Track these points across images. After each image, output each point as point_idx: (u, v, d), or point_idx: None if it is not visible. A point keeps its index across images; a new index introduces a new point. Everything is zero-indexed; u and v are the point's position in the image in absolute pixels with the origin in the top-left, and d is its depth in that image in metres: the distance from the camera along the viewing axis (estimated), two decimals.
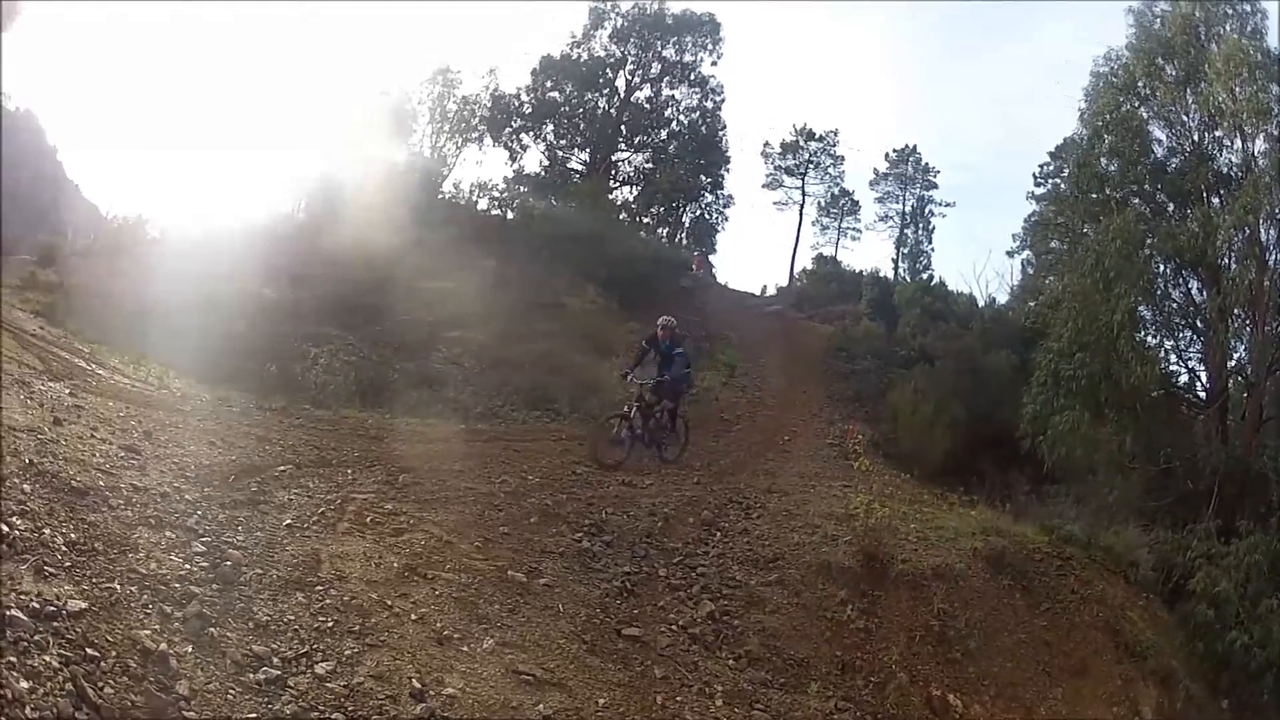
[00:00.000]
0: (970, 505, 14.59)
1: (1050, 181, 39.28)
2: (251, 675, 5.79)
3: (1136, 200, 19.01)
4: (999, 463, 19.32)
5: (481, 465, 12.25)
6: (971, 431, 20.55)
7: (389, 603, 7.40)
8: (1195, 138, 18.71)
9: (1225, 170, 18.22)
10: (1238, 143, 17.96)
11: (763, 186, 52.92)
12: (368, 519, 8.98)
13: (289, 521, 8.37)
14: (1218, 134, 18.34)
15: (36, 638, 5.02)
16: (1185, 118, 18.97)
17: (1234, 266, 17.05)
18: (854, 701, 9.15)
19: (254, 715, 5.45)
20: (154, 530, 7.12)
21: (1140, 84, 19.61)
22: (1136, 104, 19.61)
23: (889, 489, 14.59)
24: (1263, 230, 17.08)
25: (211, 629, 6.02)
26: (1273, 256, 17.26)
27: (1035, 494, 17.67)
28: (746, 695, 8.50)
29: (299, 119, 38.80)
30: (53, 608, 5.34)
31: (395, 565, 8.02)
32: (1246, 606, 13.08)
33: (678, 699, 7.88)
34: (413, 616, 7.36)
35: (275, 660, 6.06)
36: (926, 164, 52.52)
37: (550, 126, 41.47)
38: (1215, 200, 17.99)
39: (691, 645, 9.05)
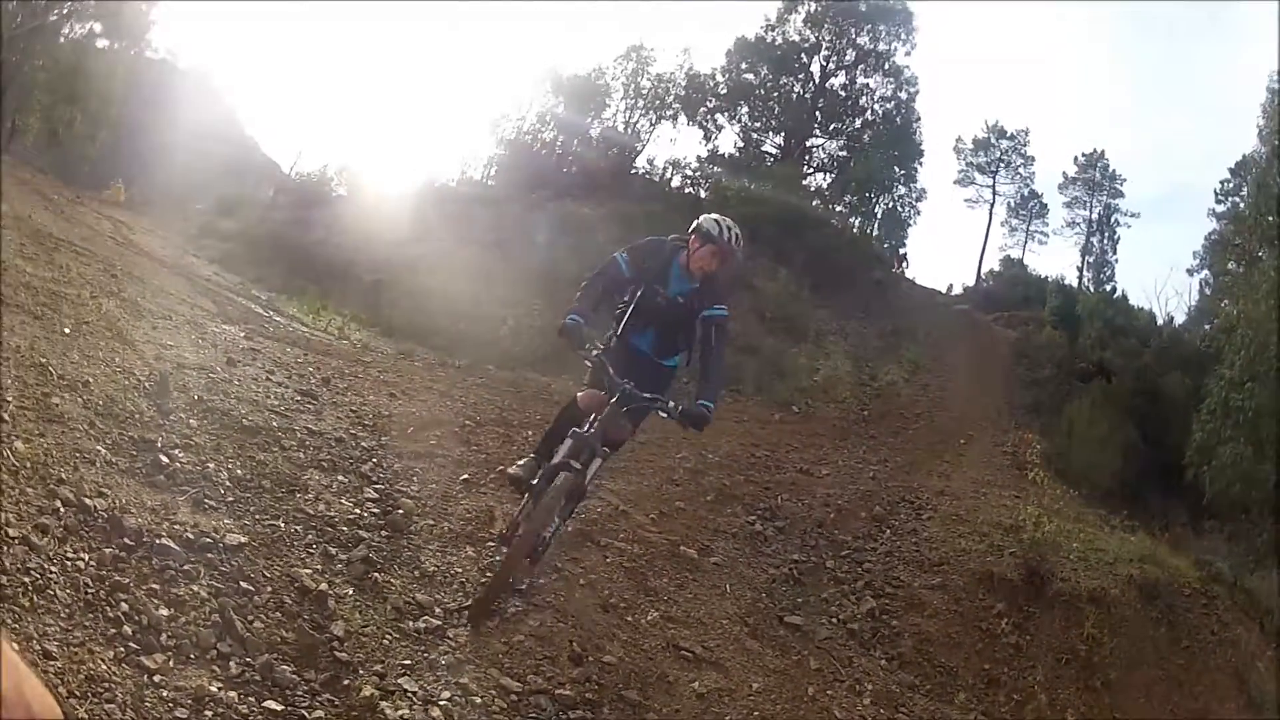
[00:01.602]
0: (1131, 530, 14.69)
1: (1230, 200, 38.11)
2: (411, 623, 5.81)
3: None
4: (1162, 489, 19.27)
5: (662, 439, 12.21)
6: (1141, 454, 20.52)
7: (559, 565, 7.47)
8: None
9: None
10: None
11: (954, 182, 52.53)
12: None
13: (465, 477, 8.50)
14: None
15: (186, 567, 5.12)
16: None
17: None
18: (992, 717, 9.24)
19: (408, 661, 5.43)
20: (326, 474, 7.34)
21: None
22: None
23: (1057, 504, 14.62)
24: None
25: (376, 574, 6.12)
26: None
27: (1192, 526, 17.41)
28: (894, 697, 8.52)
29: (490, 90, 40.02)
30: (209, 539, 5.45)
31: (570, 530, 7.82)
32: None
33: (828, 693, 7.83)
34: (581, 582, 7.45)
35: (437, 610, 6.08)
36: (1114, 171, 51.36)
37: (745, 108, 41.86)
38: None
39: (849, 640, 9.21)
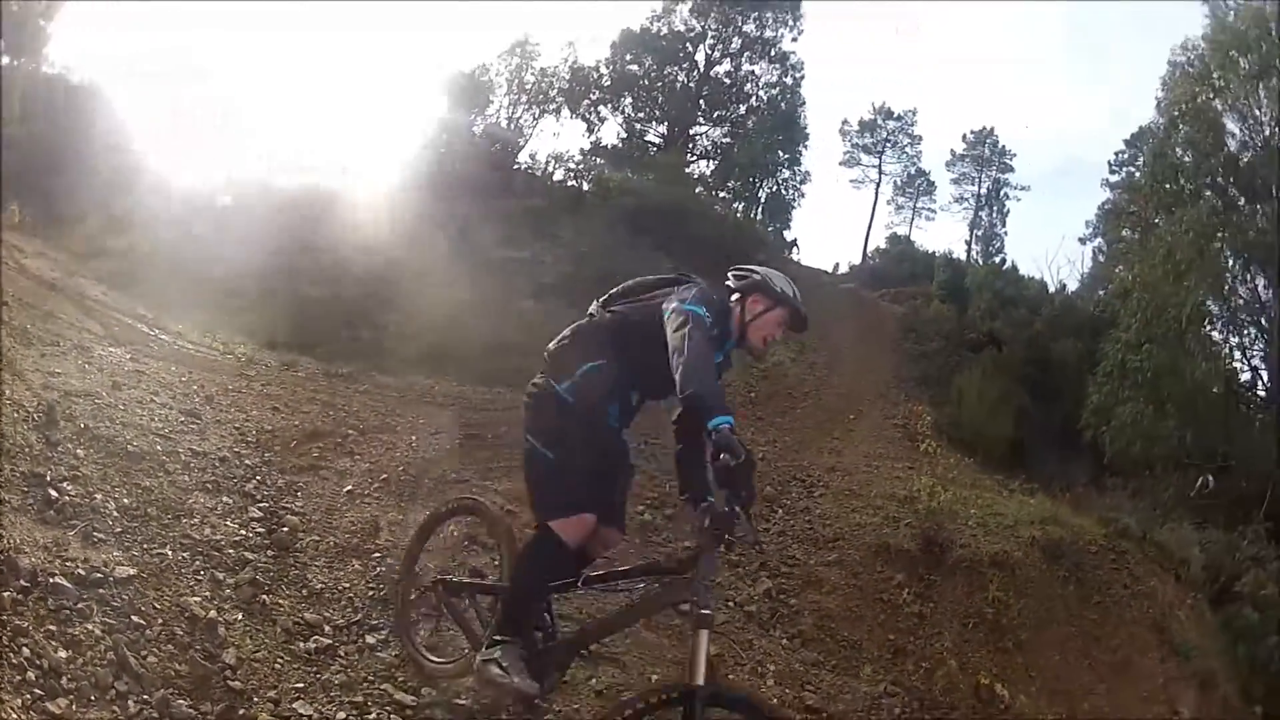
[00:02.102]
0: (1030, 494, 14.62)
1: (1125, 170, 39.47)
2: (301, 644, 5.78)
3: (1209, 193, 18.77)
4: (1060, 452, 19.10)
5: None
6: (1035, 419, 20.43)
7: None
8: (1267, 132, 18.52)
9: None
10: None
11: (840, 164, 53.01)
12: (429, 486, 9.06)
13: (349, 488, 8.45)
14: None
15: (80, 605, 5.05)
16: (1258, 112, 18.73)
17: None
18: (903, 686, 9.11)
19: (300, 684, 5.40)
20: (211, 495, 7.22)
21: (1215, 75, 19.34)
22: (1211, 95, 19.39)
23: (952, 473, 14.53)
24: None
25: (264, 596, 6.06)
26: None
27: (1094, 486, 17.42)
28: (798, 675, 8.43)
29: (372, 92, 39.13)
30: (99, 574, 5.37)
31: (455, 534, 7.47)
32: None
33: (730, 677, 7.70)
34: None
35: (327, 628, 6.06)
36: (1004, 147, 52.39)
37: (629, 99, 41.50)
38: None
39: (747, 623, 9.06)
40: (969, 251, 48.47)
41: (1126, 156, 40.57)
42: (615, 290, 5.48)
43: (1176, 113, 20.13)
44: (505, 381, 15.22)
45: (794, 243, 41.88)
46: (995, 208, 50.95)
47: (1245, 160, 18.82)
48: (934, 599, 10.70)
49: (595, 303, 5.40)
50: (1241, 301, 19.02)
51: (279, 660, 5.51)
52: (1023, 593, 11.19)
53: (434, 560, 6.45)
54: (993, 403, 20.29)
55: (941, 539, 11.42)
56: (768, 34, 42.52)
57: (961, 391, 20.90)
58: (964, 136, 54.08)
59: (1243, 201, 18.85)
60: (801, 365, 22.71)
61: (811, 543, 11.18)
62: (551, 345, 5.31)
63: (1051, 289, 30.98)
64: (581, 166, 36.16)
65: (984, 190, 51.73)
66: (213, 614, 5.56)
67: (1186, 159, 19.47)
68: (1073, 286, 33.41)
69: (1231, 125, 19.28)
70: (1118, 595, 12.02)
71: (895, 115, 52.05)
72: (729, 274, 5.27)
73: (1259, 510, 15.38)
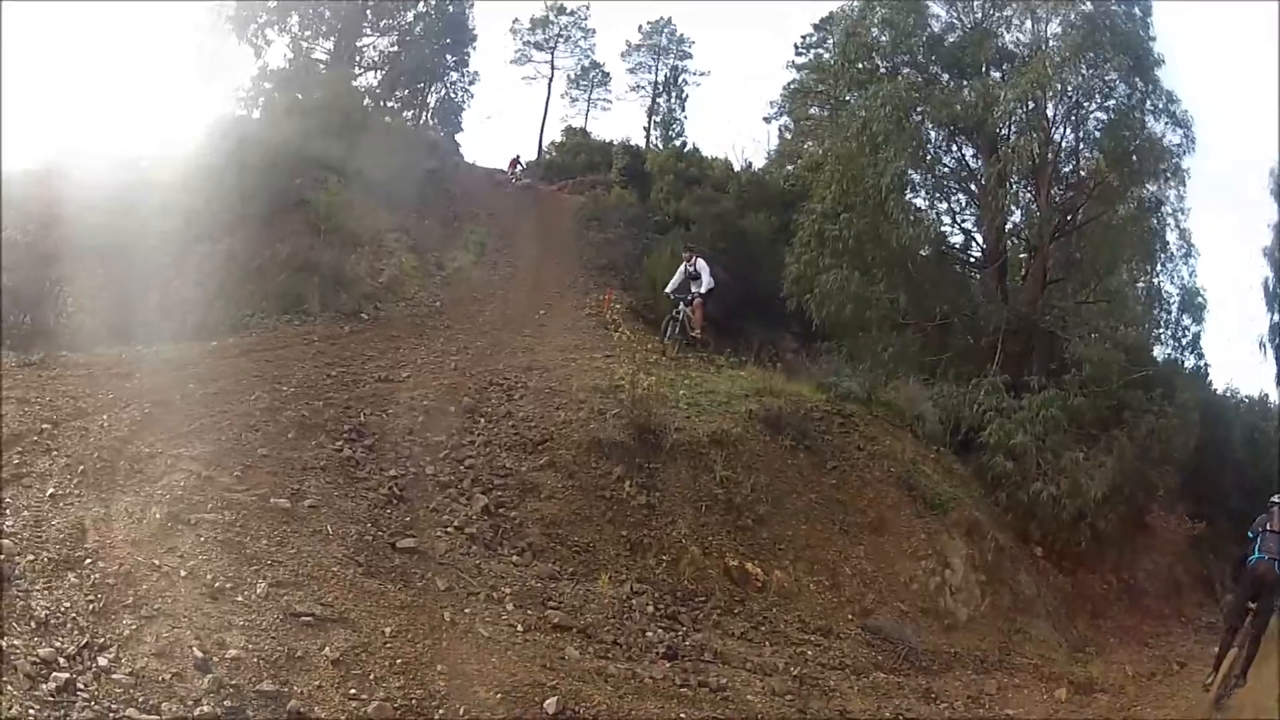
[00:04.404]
0: (739, 367, 14.46)
1: (813, 52, 39.49)
2: (44, 686, 5.38)
3: (908, 70, 18.98)
4: (764, 323, 19.30)
5: (235, 384, 11.37)
6: (733, 292, 20.10)
7: (156, 562, 6.93)
8: (979, 15, 18.88)
9: (1011, 48, 18.49)
10: (1028, 23, 18.24)
11: (510, 63, 51.59)
12: (126, 468, 8.29)
13: (51, 490, 7.66)
14: (1006, 13, 18.51)
15: None
16: None
17: (1014, 137, 17.24)
18: (650, 583, 8.97)
19: None
20: None
21: None
22: None
23: (653, 357, 13.69)
24: (1050, 106, 17.55)
25: (0, 641, 5.58)
26: (1059, 131, 17.78)
27: (805, 353, 17.81)
28: (537, 594, 8.28)
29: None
30: None
31: (158, 517, 7.45)
32: (1048, 459, 13.49)
33: (466, 611, 7.64)
34: (182, 573, 6.90)
35: (61, 661, 5.64)
36: (682, 35, 52.42)
37: (295, 18, 39.17)
38: (996, 75, 18.26)
39: (471, 547, 8.78)
40: (648, 138, 47.67)
41: (815, 39, 40.78)
42: None
43: None
44: (188, 336, 14.08)
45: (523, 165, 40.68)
46: (674, 94, 49.85)
47: (951, 40, 19.15)
48: (659, 487, 10.32)
49: None
50: (947, 170, 19.45)
51: (31, 712, 5.19)
52: (751, 468, 10.93)
53: None
54: None
55: (654, 425, 10.98)
56: None
57: (652, 274, 20.38)
58: (639, 27, 54.33)
59: (946, 78, 19.14)
60: (484, 268, 22.12)
61: (520, 449, 10.72)
62: None
63: (737, 168, 30.69)
64: (251, 93, 34.12)
65: (662, 79, 51.26)
66: None
67: (883, 39, 19.39)
68: (760, 165, 33.38)
69: (936, 8, 19.44)
70: (854, 458, 11.97)
71: (568, 10, 51.25)
72: None
73: (991, 363, 15.80)
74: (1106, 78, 16.99)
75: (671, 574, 9.17)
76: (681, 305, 16.64)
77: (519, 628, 7.63)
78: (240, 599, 6.81)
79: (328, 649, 6.45)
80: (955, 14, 19.10)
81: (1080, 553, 13.17)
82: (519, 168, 38.25)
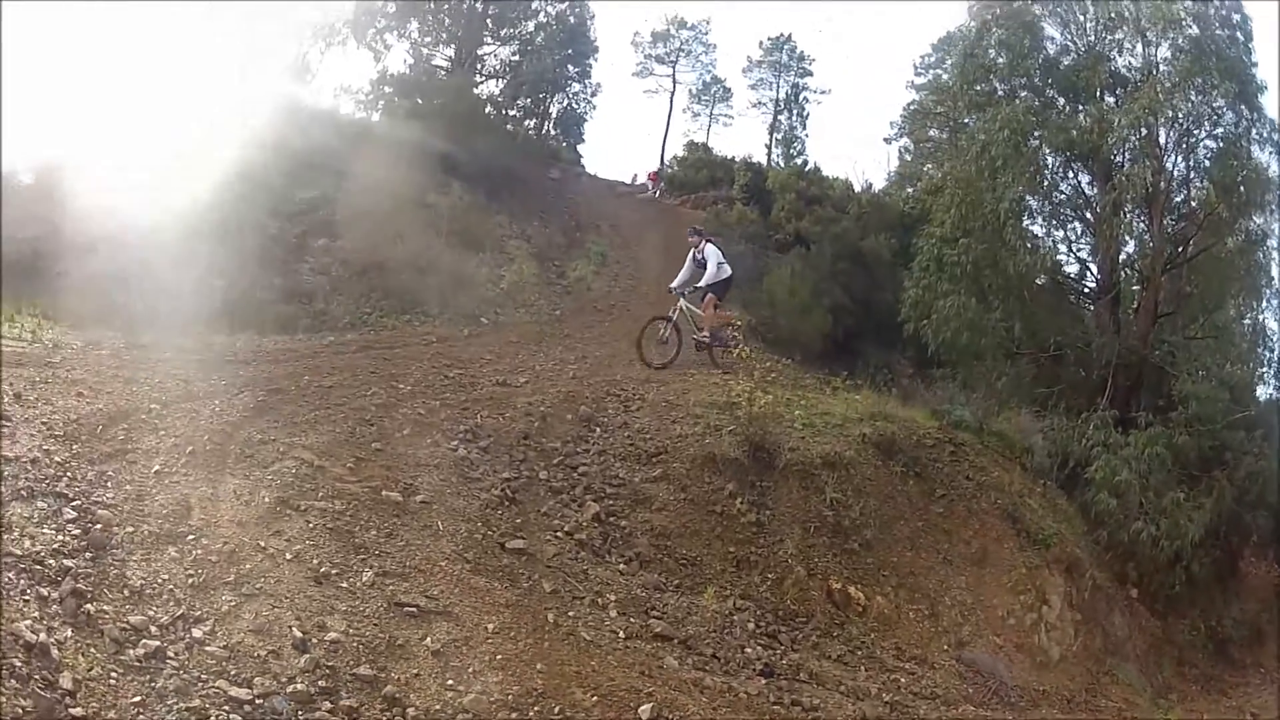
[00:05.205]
0: (854, 390, 14.31)
1: (931, 72, 39.90)
2: (131, 652, 5.47)
3: (1025, 93, 18.78)
4: (881, 347, 19.43)
5: (352, 378, 11.64)
6: (852, 315, 20.53)
7: (262, 544, 7.05)
8: (1091, 39, 18.62)
9: (1124, 72, 18.22)
10: (1138, 47, 17.94)
11: (633, 75, 52.33)
12: (237, 452, 8.49)
13: (157, 468, 7.81)
14: (1117, 36, 18.28)
15: None
16: (1082, 18, 18.86)
17: (1128, 164, 17.00)
18: (753, 600, 8.94)
19: (137, 698, 5.15)
20: (26, 503, 6.66)
21: None
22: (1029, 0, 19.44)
23: (770, 375, 13.67)
24: (1162, 133, 17.20)
25: (88, 606, 5.71)
26: (1171, 159, 17.45)
27: (920, 378, 17.80)
28: (641, 602, 8.28)
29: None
30: None
31: (267, 500, 7.61)
32: (1150, 498, 13.23)
33: (570, 614, 7.63)
34: (288, 555, 7.04)
35: (153, 629, 5.75)
36: (802, 52, 51.77)
37: (415, 24, 39.85)
38: (1110, 99, 18.00)
39: (579, 552, 8.79)
40: (769, 155, 47.80)
41: (933, 60, 41.18)
42: None
43: (990, 15, 19.84)
44: (305, 328, 14.64)
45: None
46: (795, 111, 50.26)
47: (1065, 63, 18.91)
48: (769, 506, 10.33)
49: None
50: (1064, 197, 19.10)
51: (113, 674, 5.27)
52: (861, 491, 10.93)
53: None
54: (805, 301, 20.27)
55: (768, 443, 10.95)
56: None
57: (772, 292, 20.70)
58: (760, 43, 53.80)
59: (1062, 102, 18.93)
60: (605, 279, 22.42)
61: (634, 459, 10.71)
62: None
63: (858, 188, 30.99)
64: (370, 96, 34.78)
65: (782, 95, 51.16)
66: (43, 636, 5.24)
67: (1000, 60, 19.20)
68: (880, 185, 33.82)
69: (1050, 30, 19.29)
70: (962, 487, 11.93)
71: (689, 25, 51.40)
72: None
73: (1102, 397, 15.63)
74: (1214, 104, 16.68)
75: (775, 593, 9.15)
76: (682, 301, 15.39)
77: (620, 634, 7.66)
78: (345, 585, 6.97)
79: (429, 639, 6.56)
80: (1069, 36, 19.00)
81: (1173, 595, 12.99)
82: (661, 182, 38.21)
